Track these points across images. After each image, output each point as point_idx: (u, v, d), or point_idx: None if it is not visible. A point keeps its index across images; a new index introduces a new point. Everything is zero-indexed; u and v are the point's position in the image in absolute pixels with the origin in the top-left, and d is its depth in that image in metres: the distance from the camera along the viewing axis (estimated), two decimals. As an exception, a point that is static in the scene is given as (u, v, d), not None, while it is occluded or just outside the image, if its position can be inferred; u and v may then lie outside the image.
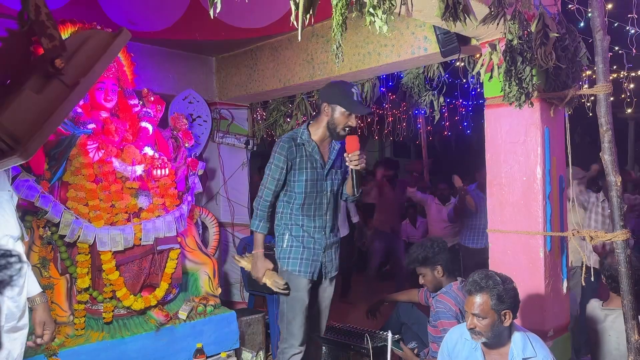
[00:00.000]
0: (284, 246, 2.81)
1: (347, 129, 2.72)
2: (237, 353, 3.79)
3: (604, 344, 2.93)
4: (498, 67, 2.61)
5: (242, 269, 4.72)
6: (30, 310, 2.13)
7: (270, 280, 2.79)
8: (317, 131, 2.79)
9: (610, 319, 2.92)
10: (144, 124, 3.64)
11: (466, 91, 6.22)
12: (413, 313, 3.67)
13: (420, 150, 9.13)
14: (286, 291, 2.76)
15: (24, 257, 2.10)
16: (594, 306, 3.02)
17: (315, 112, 2.87)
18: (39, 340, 2.15)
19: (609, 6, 3.24)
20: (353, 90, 2.71)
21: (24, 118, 1.39)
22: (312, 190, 2.78)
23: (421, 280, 3.15)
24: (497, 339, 2.21)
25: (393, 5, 1.87)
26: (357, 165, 2.68)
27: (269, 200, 2.78)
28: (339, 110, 2.70)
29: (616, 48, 4.31)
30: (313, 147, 2.77)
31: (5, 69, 1.52)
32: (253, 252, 2.85)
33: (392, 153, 13.52)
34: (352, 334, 3.66)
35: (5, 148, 1.36)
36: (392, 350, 3.35)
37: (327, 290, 2.93)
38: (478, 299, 2.17)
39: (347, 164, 2.74)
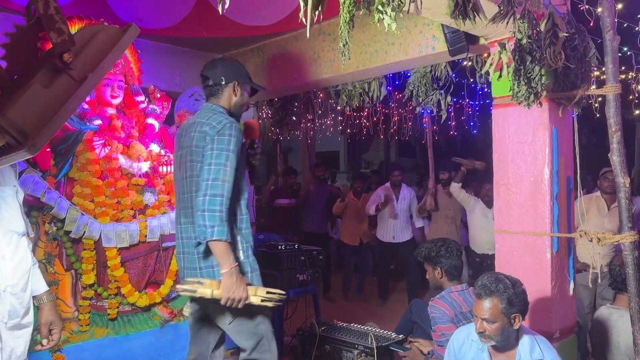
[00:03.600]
0: (242, 258, 2.33)
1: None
2: (241, 351, 3.79)
3: (607, 343, 2.93)
4: (507, 67, 2.59)
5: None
6: (36, 308, 2.11)
7: (262, 293, 2.25)
8: None
9: (614, 318, 2.92)
10: (150, 120, 3.64)
11: (473, 91, 6.19)
12: (425, 312, 3.65)
13: (425, 150, 9.10)
14: (284, 296, 2.32)
15: (29, 254, 2.07)
16: (602, 307, 3.03)
17: (214, 92, 2.51)
18: (44, 342, 2.11)
19: (619, 6, 3.21)
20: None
21: (32, 112, 1.38)
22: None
23: (427, 276, 3.16)
24: (505, 342, 2.19)
25: (402, 3, 1.86)
26: (259, 159, 2.58)
27: (230, 198, 2.24)
28: (244, 90, 2.53)
29: (624, 49, 4.28)
30: None
31: (13, 64, 1.51)
32: (226, 269, 2.18)
33: (397, 153, 13.49)
34: (357, 333, 3.65)
35: (13, 142, 1.35)
36: (395, 351, 3.35)
37: None
38: (487, 304, 2.14)
39: (251, 156, 2.60)
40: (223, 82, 2.46)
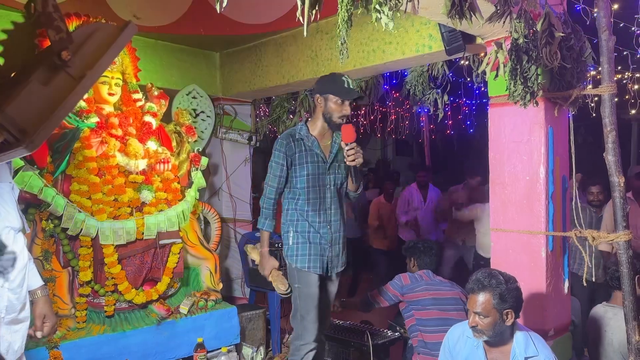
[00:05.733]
0: (290, 244, 2.82)
1: (343, 117, 2.77)
2: (238, 348, 3.81)
3: (601, 340, 2.95)
4: (503, 66, 2.60)
5: (243, 264, 4.74)
6: (32, 303, 2.13)
7: (275, 283, 2.82)
8: (316, 125, 2.84)
9: (609, 316, 2.94)
10: (147, 118, 3.64)
11: (469, 90, 6.20)
12: None
13: (422, 149, 9.11)
14: (287, 295, 2.81)
15: (25, 250, 2.09)
16: (598, 305, 3.04)
17: (312, 107, 2.94)
18: (38, 334, 2.15)
19: (615, 6, 3.22)
20: (343, 78, 2.77)
21: (31, 109, 1.38)
22: (314, 184, 2.79)
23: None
24: (499, 338, 2.20)
25: (399, 2, 1.87)
26: (353, 161, 2.68)
27: (272, 198, 2.83)
28: (331, 99, 2.75)
29: (620, 48, 4.30)
30: (312, 141, 2.80)
31: (10, 61, 1.51)
32: (261, 249, 2.90)
33: (394, 151, 13.48)
34: (353, 331, 3.66)
35: (11, 139, 1.35)
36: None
37: (332, 286, 2.94)
38: (480, 298, 2.16)
39: (345, 157, 2.73)
40: (312, 98, 2.91)
